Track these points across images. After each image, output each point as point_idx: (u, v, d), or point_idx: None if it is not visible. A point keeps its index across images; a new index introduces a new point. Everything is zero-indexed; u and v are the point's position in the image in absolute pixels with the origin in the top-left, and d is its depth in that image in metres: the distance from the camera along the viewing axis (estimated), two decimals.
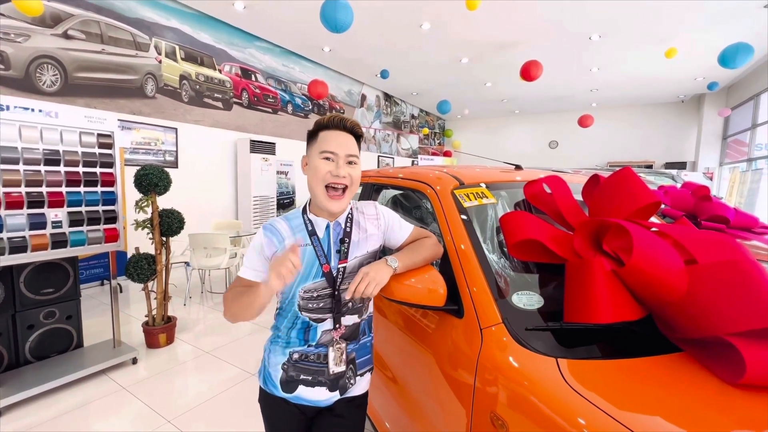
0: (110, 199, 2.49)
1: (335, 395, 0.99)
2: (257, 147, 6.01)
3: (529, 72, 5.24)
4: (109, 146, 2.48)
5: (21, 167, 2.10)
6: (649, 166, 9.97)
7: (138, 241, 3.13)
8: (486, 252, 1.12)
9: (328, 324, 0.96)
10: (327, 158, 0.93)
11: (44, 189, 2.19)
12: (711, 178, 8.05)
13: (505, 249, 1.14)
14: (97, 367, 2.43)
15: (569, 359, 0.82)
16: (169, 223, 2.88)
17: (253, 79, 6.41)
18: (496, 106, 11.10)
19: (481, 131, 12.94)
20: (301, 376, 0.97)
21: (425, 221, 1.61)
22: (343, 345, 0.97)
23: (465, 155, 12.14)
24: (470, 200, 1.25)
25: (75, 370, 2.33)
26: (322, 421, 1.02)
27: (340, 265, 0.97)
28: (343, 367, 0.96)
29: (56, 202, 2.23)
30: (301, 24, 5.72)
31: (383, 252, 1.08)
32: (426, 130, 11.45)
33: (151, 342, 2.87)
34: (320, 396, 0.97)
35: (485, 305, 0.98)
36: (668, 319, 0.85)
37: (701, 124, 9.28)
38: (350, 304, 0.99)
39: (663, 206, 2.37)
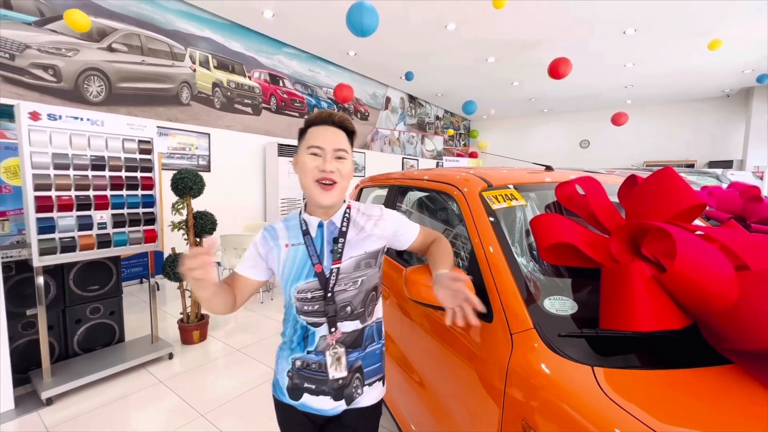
0: (149, 201, 2.63)
1: (341, 405, 0.95)
2: (285, 150, 6.16)
3: (557, 70, 5.08)
4: (149, 152, 2.62)
5: (71, 172, 2.25)
6: (691, 166, 9.40)
7: (174, 242, 3.29)
8: (515, 255, 1.09)
9: (324, 329, 0.93)
10: (314, 153, 0.90)
11: (91, 192, 2.34)
12: (761, 178, 7.49)
13: (536, 252, 1.11)
14: (137, 361, 2.56)
15: (606, 368, 0.79)
16: (202, 225, 3.01)
17: (281, 84, 6.58)
18: (524, 106, 10.83)
19: (507, 131, 12.67)
20: (305, 384, 0.95)
21: (451, 223, 1.60)
22: (341, 350, 0.92)
23: (491, 156, 11.92)
24: (499, 202, 1.22)
25: (117, 363, 2.47)
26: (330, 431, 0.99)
27: (333, 266, 0.93)
28: (343, 373, 0.92)
29: (101, 204, 2.38)
30: (327, 29, 5.82)
31: (386, 253, 1.07)
32: (451, 131, 11.34)
33: (186, 338, 3.00)
34: (325, 405, 0.95)
35: (515, 310, 0.95)
36: (716, 328, 0.80)
37: (749, 119, 8.66)
38: (348, 308, 0.94)
39: (708, 208, 2.22)
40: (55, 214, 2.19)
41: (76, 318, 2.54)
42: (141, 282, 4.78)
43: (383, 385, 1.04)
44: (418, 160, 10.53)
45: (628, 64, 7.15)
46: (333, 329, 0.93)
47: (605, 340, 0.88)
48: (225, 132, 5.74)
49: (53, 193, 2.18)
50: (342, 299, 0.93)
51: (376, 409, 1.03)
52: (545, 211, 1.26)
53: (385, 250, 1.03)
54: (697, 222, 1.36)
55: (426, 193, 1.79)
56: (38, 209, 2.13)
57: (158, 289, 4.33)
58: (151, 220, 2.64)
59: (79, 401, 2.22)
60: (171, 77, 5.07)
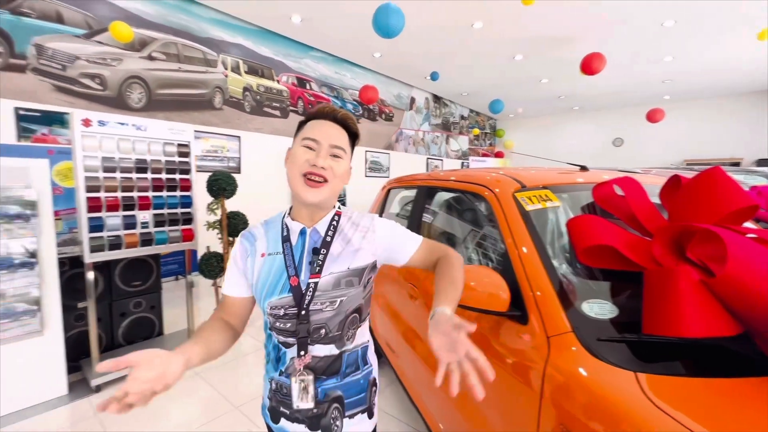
0: (187, 202, 2.76)
1: None
2: None
3: (590, 65, 4.91)
4: (187, 155, 2.75)
5: (118, 175, 2.40)
6: (736, 164, 8.82)
7: (208, 241, 3.43)
8: (551, 257, 1.08)
9: (294, 350, 0.82)
10: (308, 146, 0.80)
11: (135, 194, 2.49)
12: None
13: (572, 254, 1.08)
14: None
15: (650, 374, 0.76)
16: (235, 224, 3.13)
17: (308, 87, 6.72)
18: (553, 104, 10.52)
19: (535, 130, 12.35)
20: (281, 408, 0.86)
21: (480, 224, 1.58)
22: (308, 378, 0.80)
23: (519, 156, 11.65)
24: (533, 203, 1.21)
25: None
26: None
27: (310, 280, 0.81)
28: (309, 404, 0.81)
29: (144, 205, 2.52)
30: (352, 32, 5.89)
31: (374, 268, 0.89)
32: (476, 131, 11.17)
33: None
34: None
35: (552, 312, 0.94)
36: None
37: None
38: (322, 330, 0.81)
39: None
40: (103, 214, 2.34)
41: (121, 311, 2.70)
42: (176, 279, 5.01)
43: (371, 417, 0.91)
44: (442, 160, 10.45)
45: (667, 58, 6.80)
46: (302, 352, 0.81)
47: (648, 345, 0.85)
48: (254, 135, 5.93)
49: (102, 195, 2.34)
50: (317, 320, 0.81)
51: None
52: (581, 213, 1.23)
53: (376, 266, 0.90)
54: (748, 225, 1.29)
55: (455, 194, 1.79)
56: (89, 209, 2.28)
57: (193, 286, 4.54)
58: (188, 219, 2.77)
59: None
60: (205, 83, 5.29)
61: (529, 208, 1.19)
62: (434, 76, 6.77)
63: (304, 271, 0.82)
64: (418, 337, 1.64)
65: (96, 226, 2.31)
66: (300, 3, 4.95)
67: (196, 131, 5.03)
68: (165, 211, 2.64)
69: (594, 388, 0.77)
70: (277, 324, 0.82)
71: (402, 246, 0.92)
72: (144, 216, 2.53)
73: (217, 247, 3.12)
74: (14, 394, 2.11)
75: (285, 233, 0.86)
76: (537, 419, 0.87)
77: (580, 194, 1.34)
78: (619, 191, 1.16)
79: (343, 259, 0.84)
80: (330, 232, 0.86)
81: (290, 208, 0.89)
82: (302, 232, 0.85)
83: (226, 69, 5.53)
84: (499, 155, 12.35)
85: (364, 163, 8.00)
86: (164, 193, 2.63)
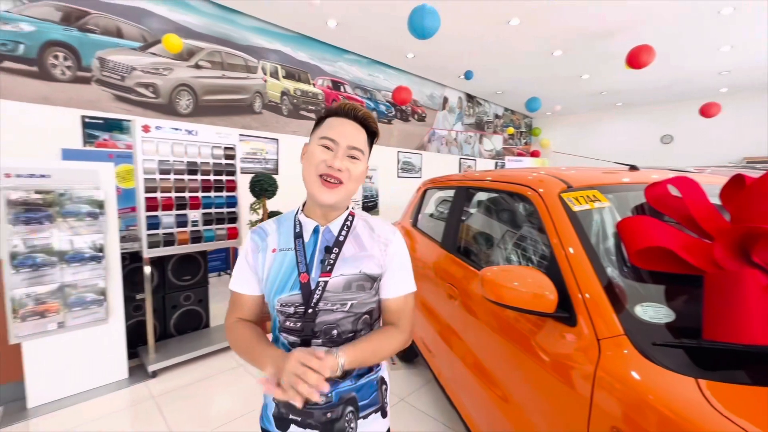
0: (232, 202, 2.91)
1: None
2: None
3: (637, 59, 4.65)
4: (232, 157, 2.90)
5: (172, 176, 2.59)
6: None
7: None
8: (600, 259, 1.05)
9: None
10: (326, 146, 0.78)
11: (186, 194, 2.66)
12: None
13: (624, 256, 1.05)
14: (220, 345, 2.85)
15: (712, 381, 0.73)
16: None
17: (342, 90, 6.85)
18: (594, 100, 10.04)
19: (573, 128, 11.84)
20: (290, 416, 0.82)
21: (521, 225, 1.56)
22: None
23: (556, 156, 11.22)
24: (580, 204, 1.18)
25: (205, 346, 2.78)
26: None
27: (321, 278, 0.79)
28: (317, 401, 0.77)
29: (194, 204, 2.70)
30: (386, 34, 5.95)
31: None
32: (511, 130, 10.88)
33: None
34: None
35: (603, 315, 0.92)
36: None
37: None
38: (334, 331, 0.80)
39: None
40: (159, 213, 2.53)
41: (173, 303, 2.90)
42: (219, 275, 5.28)
43: (384, 416, 0.90)
44: (475, 160, 10.28)
45: (724, 48, 6.30)
46: None
47: (709, 351, 0.81)
48: (291, 137, 6.13)
49: (158, 195, 2.53)
50: (327, 320, 0.80)
51: None
52: (632, 214, 1.19)
53: (380, 279, 0.85)
54: None
55: (494, 195, 1.77)
56: (147, 208, 2.47)
57: None
58: (233, 218, 2.92)
59: (176, 376, 2.54)
60: (245, 88, 5.54)
61: (576, 208, 1.17)
62: (468, 75, 6.68)
63: (315, 268, 0.81)
64: (456, 336, 1.64)
65: (152, 224, 2.50)
66: (336, 7, 5.07)
67: (239, 135, 5.30)
68: (213, 210, 2.81)
69: (652, 392, 0.75)
70: (287, 323, 0.81)
71: (397, 281, 0.86)
72: (194, 215, 2.70)
73: None
74: (82, 375, 2.33)
75: (298, 229, 0.84)
76: (587, 422, 0.86)
77: (629, 195, 1.29)
78: (674, 191, 1.11)
79: (356, 262, 0.82)
80: (343, 232, 0.84)
81: (303, 204, 0.88)
82: (315, 230, 0.83)
83: (265, 74, 5.76)
84: (535, 154, 11.96)
85: (396, 164, 8.04)
86: (212, 194, 2.80)
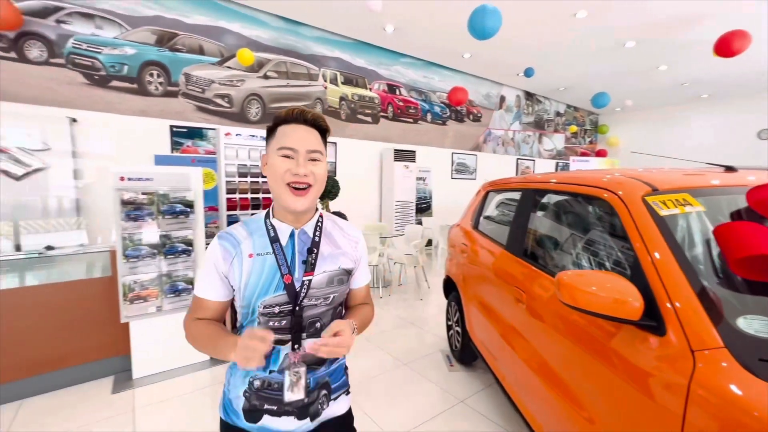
0: None
1: (306, 423, 0.87)
2: (400, 156, 6.49)
3: (729, 46, 4.15)
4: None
5: (249, 179, 2.84)
6: None
7: None
8: (693, 267, 0.99)
9: (288, 346, 0.85)
10: (286, 155, 0.82)
11: (261, 195, 2.91)
12: None
13: (716, 264, 0.98)
14: None
15: None
16: None
17: (397, 93, 6.95)
18: (673, 93, 9.09)
19: (647, 124, 10.79)
20: (266, 406, 0.86)
21: (593, 229, 1.50)
22: (302, 370, 0.84)
23: (625, 155, 10.33)
24: (668, 208, 1.12)
25: None
26: None
27: (305, 278, 0.85)
28: (300, 395, 0.84)
29: (267, 205, 2.93)
30: (443, 36, 5.93)
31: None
32: (574, 128, 10.23)
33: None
34: (288, 426, 0.86)
35: (698, 325, 0.87)
36: None
37: None
38: (317, 324, 0.87)
39: None
40: (238, 212, 2.79)
41: None
42: None
43: (347, 394, 0.98)
44: (534, 160, 9.82)
45: None
46: (297, 346, 0.85)
47: None
48: (348, 140, 6.36)
49: (237, 196, 2.79)
50: (311, 315, 0.86)
51: (349, 416, 0.99)
52: (730, 219, 1.10)
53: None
54: None
55: (565, 197, 1.72)
56: (228, 207, 2.74)
57: None
58: None
59: None
60: (307, 95, 5.86)
61: (663, 213, 1.11)
62: (528, 73, 6.42)
63: (297, 269, 0.85)
64: (523, 340, 1.62)
65: (232, 222, 2.77)
66: (393, 13, 5.17)
67: None
68: None
69: (757, 408, 0.70)
70: (270, 323, 0.84)
71: (364, 272, 1.01)
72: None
73: None
74: (174, 355, 2.65)
75: (273, 234, 0.87)
76: None
77: (725, 198, 1.19)
78: None
79: (334, 259, 0.90)
80: (317, 233, 0.91)
81: (270, 210, 0.92)
82: (291, 234, 0.88)
83: (325, 81, 6.05)
84: (601, 154, 11.14)
85: (450, 165, 7.97)
86: None
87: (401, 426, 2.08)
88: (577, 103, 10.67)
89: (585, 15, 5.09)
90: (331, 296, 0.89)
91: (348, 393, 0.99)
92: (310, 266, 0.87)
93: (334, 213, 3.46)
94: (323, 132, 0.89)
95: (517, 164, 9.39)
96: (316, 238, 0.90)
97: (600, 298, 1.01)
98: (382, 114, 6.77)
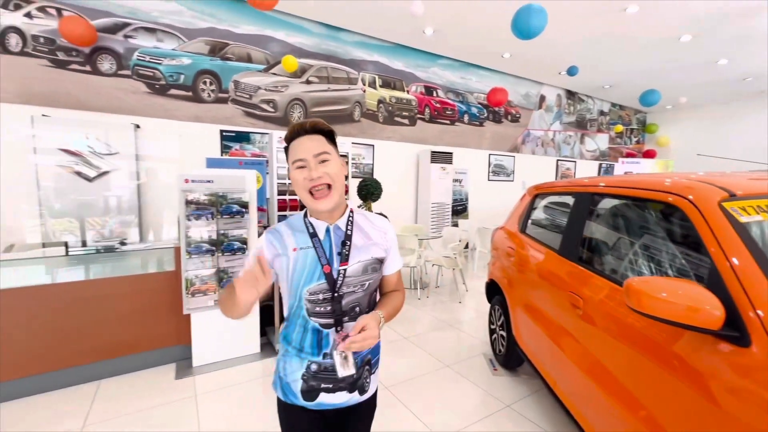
0: None
1: (355, 396, 1.01)
2: (437, 157, 6.48)
3: None
4: (346, 163, 3.20)
5: None
6: None
7: None
8: None
9: (333, 329, 0.97)
10: (300, 166, 0.93)
11: None
12: None
13: None
14: None
15: None
16: None
17: (434, 95, 6.95)
18: (733, 88, 8.42)
19: (702, 122, 10.05)
20: (322, 385, 0.97)
21: (658, 235, 1.45)
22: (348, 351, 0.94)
23: (678, 156, 9.68)
24: (749, 215, 1.07)
25: None
26: (342, 423, 1.05)
27: (340, 267, 0.96)
28: (351, 371, 0.93)
29: None
30: (482, 36, 5.87)
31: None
32: (619, 128, 9.73)
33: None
34: (341, 399, 0.99)
35: None
36: None
37: None
38: (357, 308, 0.99)
39: None
40: (287, 213, 2.93)
41: None
42: None
43: (377, 369, 1.12)
44: (575, 162, 9.45)
45: None
46: (339, 328, 0.96)
47: None
48: (385, 143, 6.44)
49: (287, 197, 2.92)
50: (350, 300, 0.98)
51: (375, 395, 1.13)
52: None
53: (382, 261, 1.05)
54: None
55: (626, 201, 1.67)
56: (279, 208, 2.88)
57: None
58: None
59: None
60: (347, 99, 6.00)
61: (743, 219, 1.06)
62: (572, 71, 6.20)
63: (334, 260, 0.97)
64: (580, 346, 1.59)
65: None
66: (434, 15, 5.19)
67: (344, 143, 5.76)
68: None
69: None
70: (316, 309, 0.96)
71: (395, 260, 1.09)
72: None
73: None
74: (228, 346, 2.82)
75: (311, 230, 0.99)
76: None
77: None
78: None
79: (367, 250, 1.00)
80: (349, 227, 1.01)
81: (307, 211, 1.03)
82: (327, 230, 0.99)
83: (364, 85, 6.16)
84: (649, 155, 10.54)
85: (487, 167, 7.85)
86: None
87: (448, 427, 2.10)
88: (623, 102, 10.16)
89: (636, 10, 4.86)
90: (367, 283, 1.00)
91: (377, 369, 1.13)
92: (344, 257, 0.97)
93: (377, 214, 3.53)
94: (327, 134, 0.98)
95: (557, 166, 9.08)
96: (349, 232, 1.00)
97: (672, 305, 0.99)
98: (419, 116, 6.80)
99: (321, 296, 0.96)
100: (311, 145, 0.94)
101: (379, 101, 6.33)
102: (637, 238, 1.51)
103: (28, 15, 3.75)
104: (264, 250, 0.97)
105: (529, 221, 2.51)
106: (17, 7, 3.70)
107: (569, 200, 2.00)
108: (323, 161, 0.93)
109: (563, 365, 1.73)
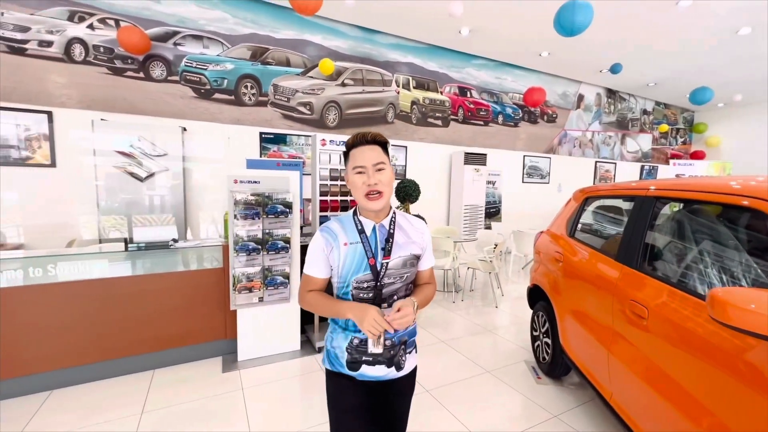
0: None
1: (392, 371, 1.14)
2: (471, 159, 6.39)
3: None
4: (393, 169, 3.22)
5: (339, 183, 3.01)
6: None
7: None
8: None
9: None
10: (360, 172, 1.08)
11: (348, 198, 3.06)
12: None
13: None
14: None
15: None
16: None
17: (468, 95, 6.86)
18: None
19: (758, 122, 9.31)
20: (363, 357, 1.11)
21: (738, 242, 1.35)
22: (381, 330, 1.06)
23: (726, 157, 9.03)
24: None
25: None
26: (382, 395, 1.17)
27: (383, 261, 1.11)
28: (379, 350, 1.08)
29: (352, 207, 3.08)
30: (520, 35, 5.73)
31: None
32: (664, 127, 9.21)
33: None
34: (381, 372, 1.13)
35: None
36: None
37: None
38: (395, 297, 1.13)
39: None
40: (329, 213, 2.97)
41: None
42: None
43: (416, 352, 1.24)
44: (615, 163, 9.03)
45: None
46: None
47: None
48: (419, 144, 6.41)
49: (329, 198, 2.97)
50: (391, 290, 1.12)
51: (415, 371, 1.25)
52: None
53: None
54: None
55: (697, 206, 1.57)
56: (320, 209, 2.93)
57: None
58: None
59: None
60: (381, 101, 6.03)
61: None
62: (616, 69, 5.94)
63: (378, 254, 1.11)
64: (645, 358, 1.51)
65: (323, 221, 2.95)
66: (471, 15, 5.12)
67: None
68: None
69: None
70: (361, 294, 1.11)
71: (429, 257, 1.23)
72: None
73: None
74: (270, 342, 2.89)
75: (360, 227, 1.13)
76: None
77: None
78: None
79: (407, 247, 1.15)
80: (392, 227, 1.15)
81: (356, 209, 1.18)
82: (374, 228, 1.13)
83: (398, 86, 6.17)
84: (697, 156, 9.92)
85: (521, 168, 7.65)
86: None
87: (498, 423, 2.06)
88: (668, 100, 9.62)
89: (689, 3, 4.58)
90: (405, 275, 1.15)
91: (416, 351, 1.25)
92: (388, 252, 1.12)
93: (414, 216, 3.52)
94: (383, 145, 1.13)
95: (596, 167, 8.72)
96: (392, 230, 1.15)
97: (761, 318, 0.92)
98: (452, 117, 6.73)
99: (366, 284, 1.11)
100: (371, 155, 1.09)
101: (413, 102, 6.32)
102: (713, 246, 1.41)
103: (91, 26, 4.03)
104: (324, 246, 1.13)
105: (579, 225, 2.42)
106: (81, 19, 3.98)
107: (626, 204, 1.90)
108: (379, 170, 1.09)
109: (623, 377, 1.64)
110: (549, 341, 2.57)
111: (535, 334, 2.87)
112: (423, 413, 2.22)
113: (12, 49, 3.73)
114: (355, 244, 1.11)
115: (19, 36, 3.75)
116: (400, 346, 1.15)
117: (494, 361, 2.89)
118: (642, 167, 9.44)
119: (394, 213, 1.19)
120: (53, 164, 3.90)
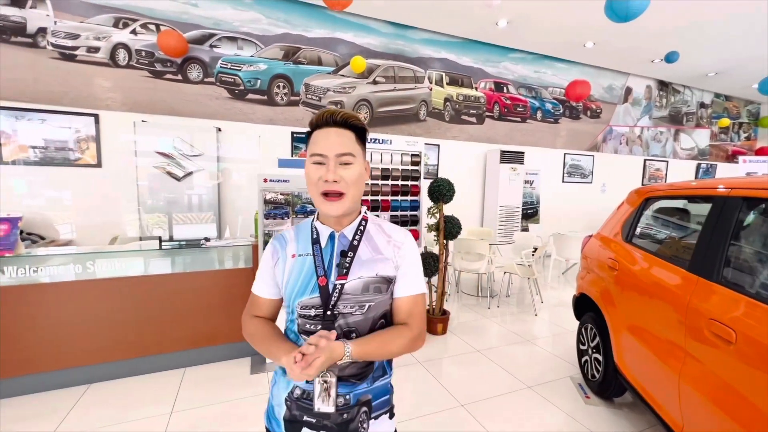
0: (415, 206, 3.09)
1: None
2: (507, 157, 6.09)
3: None
4: (417, 163, 3.07)
5: (370, 182, 2.90)
6: None
7: (425, 242, 3.75)
8: None
9: None
10: (317, 162, 0.80)
11: (380, 198, 2.95)
12: None
13: None
14: None
15: None
16: (450, 228, 3.30)
17: (505, 91, 6.55)
18: None
19: None
20: (305, 417, 0.82)
21: None
22: (332, 380, 0.78)
23: None
24: None
25: None
26: None
27: (338, 282, 0.82)
28: (330, 407, 0.78)
29: (386, 207, 2.96)
30: (562, 25, 5.37)
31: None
32: (726, 121, 8.36)
33: (431, 329, 3.36)
34: None
35: None
36: None
37: None
38: (353, 335, 0.81)
39: None
40: None
41: None
42: None
43: (391, 418, 0.90)
44: (667, 161, 8.33)
45: None
46: None
47: None
48: (451, 142, 6.20)
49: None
50: (347, 323, 0.82)
51: None
52: None
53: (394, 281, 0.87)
54: None
55: None
56: None
57: None
58: (415, 221, 3.09)
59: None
60: (413, 98, 5.88)
61: None
62: (671, 58, 5.42)
63: (333, 272, 0.83)
64: (733, 391, 1.27)
65: None
66: (510, 6, 4.85)
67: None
68: (398, 213, 3.03)
69: None
70: (307, 326, 0.83)
71: (408, 280, 0.87)
72: (385, 216, 2.97)
73: (434, 248, 3.38)
74: None
75: (314, 236, 0.87)
76: None
77: None
78: None
79: (372, 265, 0.84)
80: (357, 236, 0.86)
81: (318, 213, 0.90)
82: (331, 236, 0.86)
83: (431, 83, 5.99)
84: (764, 152, 8.95)
85: (561, 167, 7.22)
86: (399, 198, 3.02)
87: None
88: (730, 92, 8.74)
89: None
90: (367, 305, 0.83)
91: (392, 416, 0.91)
92: (343, 269, 0.83)
93: (447, 217, 3.35)
94: (358, 130, 0.85)
95: (645, 166, 8.07)
96: (355, 242, 0.86)
97: None
98: (487, 114, 6.45)
99: (313, 312, 0.82)
100: (336, 141, 0.81)
101: (446, 99, 6.12)
102: None
103: (134, 32, 4.18)
104: (269, 257, 0.90)
105: (638, 229, 2.15)
106: (125, 25, 4.14)
107: (701, 207, 1.64)
108: (344, 164, 0.81)
109: (701, 409, 1.40)
110: (600, 357, 2.31)
111: (582, 348, 2.62)
112: (456, 429, 2.05)
113: (64, 56, 3.94)
114: (304, 257, 0.85)
115: (69, 43, 3.95)
116: (359, 407, 0.83)
117: (535, 376, 2.67)
118: (698, 165, 8.65)
119: (365, 220, 0.90)
120: (99, 164, 4.09)
